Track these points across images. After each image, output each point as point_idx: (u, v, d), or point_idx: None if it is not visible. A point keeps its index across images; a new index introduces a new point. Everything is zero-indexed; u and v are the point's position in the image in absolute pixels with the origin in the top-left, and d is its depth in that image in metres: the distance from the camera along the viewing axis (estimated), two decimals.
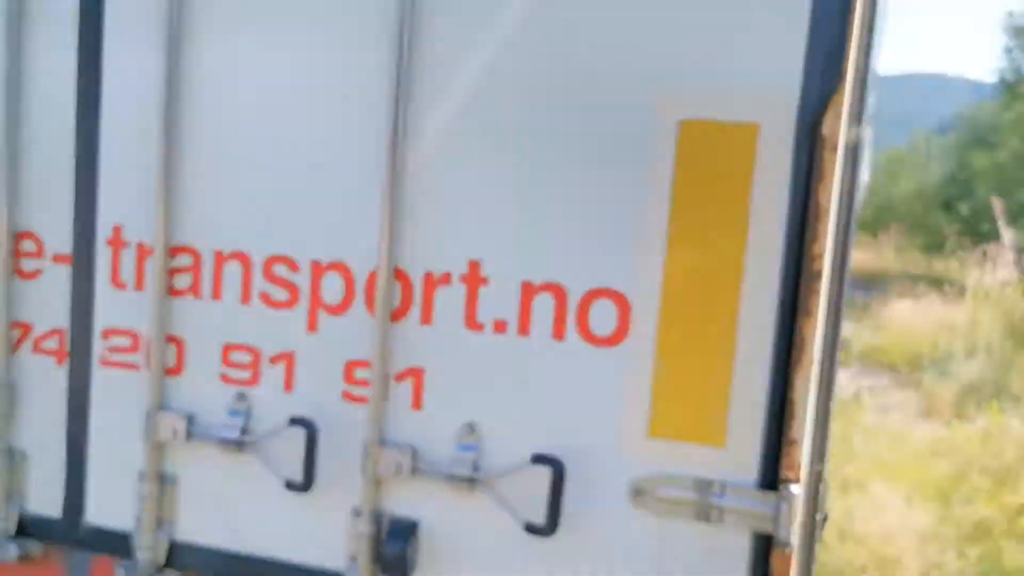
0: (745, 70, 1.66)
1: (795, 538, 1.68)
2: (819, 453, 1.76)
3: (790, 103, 1.64)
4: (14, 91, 2.05)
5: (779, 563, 1.70)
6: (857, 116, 1.70)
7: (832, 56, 1.61)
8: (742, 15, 1.66)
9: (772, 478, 1.69)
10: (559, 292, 1.79)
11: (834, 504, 5.09)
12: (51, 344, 2.10)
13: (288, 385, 1.96)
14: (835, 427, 1.88)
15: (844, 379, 10.07)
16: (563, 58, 1.75)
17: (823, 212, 1.63)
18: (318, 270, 1.91)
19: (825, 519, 1.82)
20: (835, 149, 1.62)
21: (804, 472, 1.72)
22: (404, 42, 1.79)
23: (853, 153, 1.71)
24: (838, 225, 1.70)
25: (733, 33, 1.66)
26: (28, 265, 2.10)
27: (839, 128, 1.61)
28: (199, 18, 1.93)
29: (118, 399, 2.05)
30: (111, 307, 2.05)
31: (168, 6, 1.91)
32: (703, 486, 1.73)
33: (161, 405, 2.01)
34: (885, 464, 6.64)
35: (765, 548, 1.71)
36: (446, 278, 1.85)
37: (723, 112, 1.68)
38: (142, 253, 2.01)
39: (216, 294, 1.97)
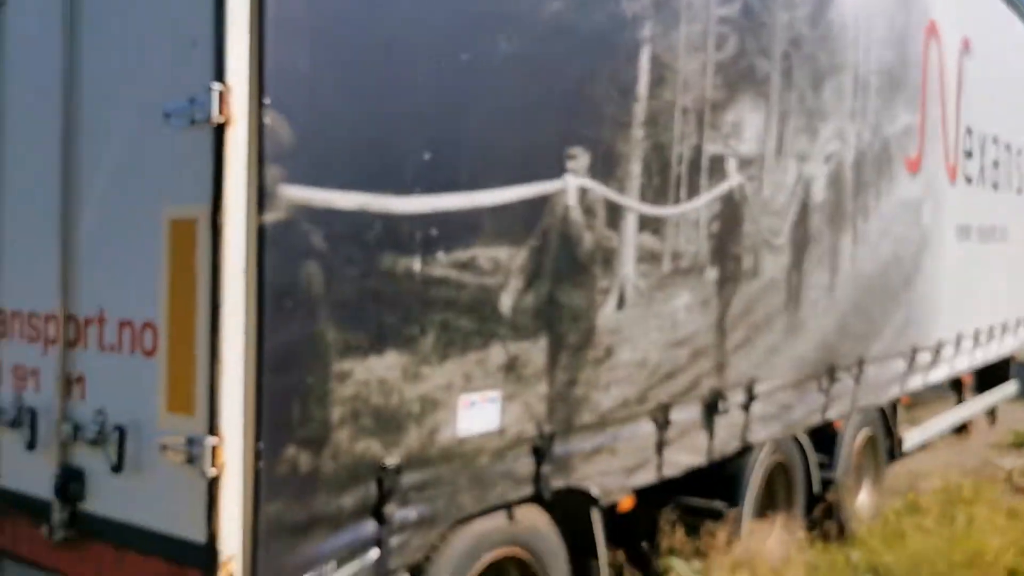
0: (193, 191, 2.79)
1: (216, 472, 2.70)
2: (253, 423, 2.76)
3: (207, 208, 2.74)
4: None
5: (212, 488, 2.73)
6: (258, 208, 2.75)
7: (217, 177, 2.71)
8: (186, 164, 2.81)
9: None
10: (131, 324, 2.99)
11: None
12: None
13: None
14: None
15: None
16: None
17: (220, 271, 2.71)
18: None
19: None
20: (220, 233, 2.70)
21: (239, 434, 2.75)
22: None
23: (260, 234, 2.75)
24: (248, 277, 2.75)
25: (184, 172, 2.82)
26: None
27: (223, 220, 2.70)
28: None
29: None
30: None
31: None
32: (189, 441, 2.80)
33: None
34: None
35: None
36: (90, 321, 3.12)
37: (184, 215, 2.82)
38: None
39: None
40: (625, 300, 4.23)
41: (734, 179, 4.92)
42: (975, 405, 9.93)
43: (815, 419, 6.08)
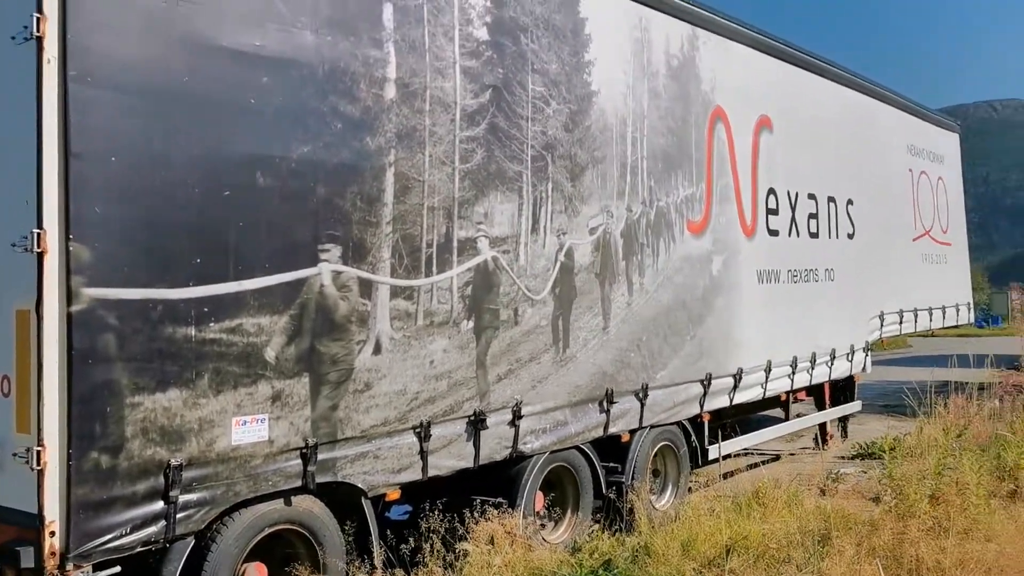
0: (28, 292, 4.48)
1: (41, 467, 4.37)
2: (66, 437, 4.42)
3: (34, 303, 4.43)
4: None
5: (39, 478, 4.39)
6: (68, 303, 4.43)
7: (39, 285, 4.40)
8: (24, 275, 4.49)
9: None
10: None
11: None
12: None
13: None
14: None
15: None
16: None
17: (42, 342, 4.39)
18: None
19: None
20: (42, 319, 4.38)
21: (56, 444, 4.41)
22: None
23: (68, 319, 4.43)
24: (60, 346, 4.43)
25: (23, 279, 4.50)
26: None
27: (43, 312, 4.38)
28: None
29: None
30: None
31: None
32: (27, 450, 4.46)
33: None
34: None
35: None
36: None
37: (23, 307, 4.50)
38: None
39: None
40: (381, 347, 5.89)
41: (487, 254, 6.60)
42: (805, 421, 11.48)
43: (596, 433, 7.70)
